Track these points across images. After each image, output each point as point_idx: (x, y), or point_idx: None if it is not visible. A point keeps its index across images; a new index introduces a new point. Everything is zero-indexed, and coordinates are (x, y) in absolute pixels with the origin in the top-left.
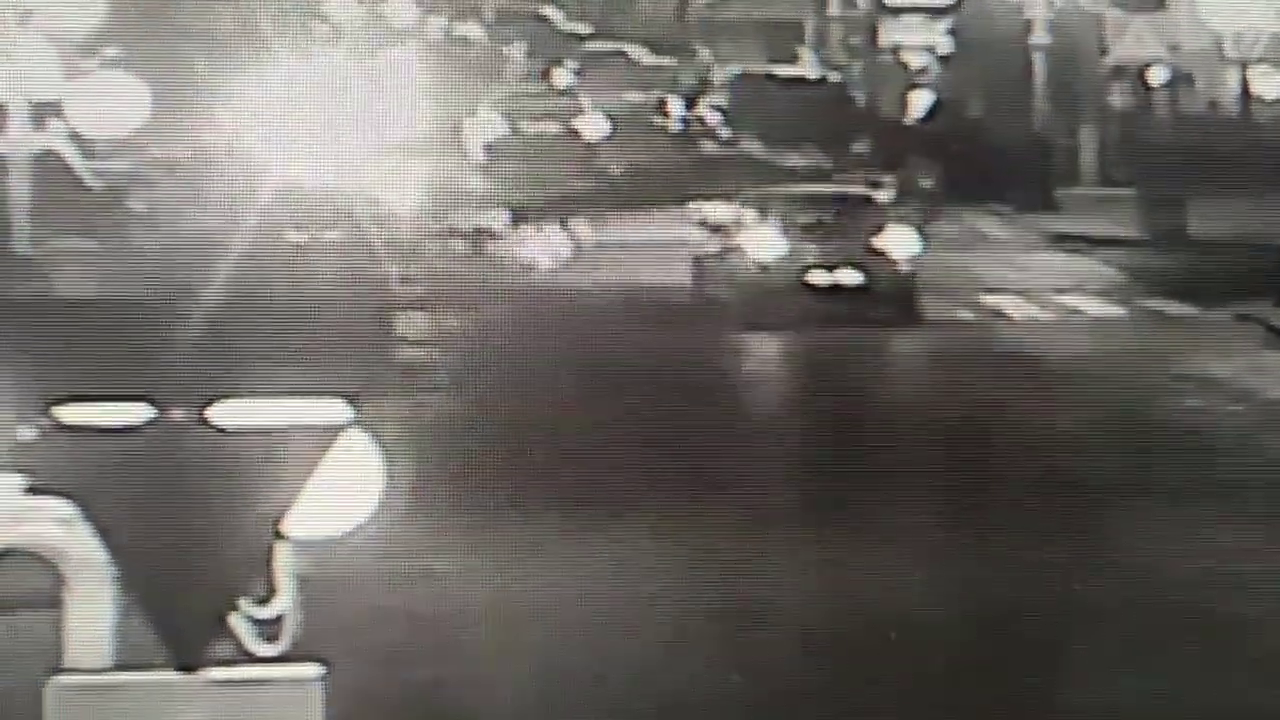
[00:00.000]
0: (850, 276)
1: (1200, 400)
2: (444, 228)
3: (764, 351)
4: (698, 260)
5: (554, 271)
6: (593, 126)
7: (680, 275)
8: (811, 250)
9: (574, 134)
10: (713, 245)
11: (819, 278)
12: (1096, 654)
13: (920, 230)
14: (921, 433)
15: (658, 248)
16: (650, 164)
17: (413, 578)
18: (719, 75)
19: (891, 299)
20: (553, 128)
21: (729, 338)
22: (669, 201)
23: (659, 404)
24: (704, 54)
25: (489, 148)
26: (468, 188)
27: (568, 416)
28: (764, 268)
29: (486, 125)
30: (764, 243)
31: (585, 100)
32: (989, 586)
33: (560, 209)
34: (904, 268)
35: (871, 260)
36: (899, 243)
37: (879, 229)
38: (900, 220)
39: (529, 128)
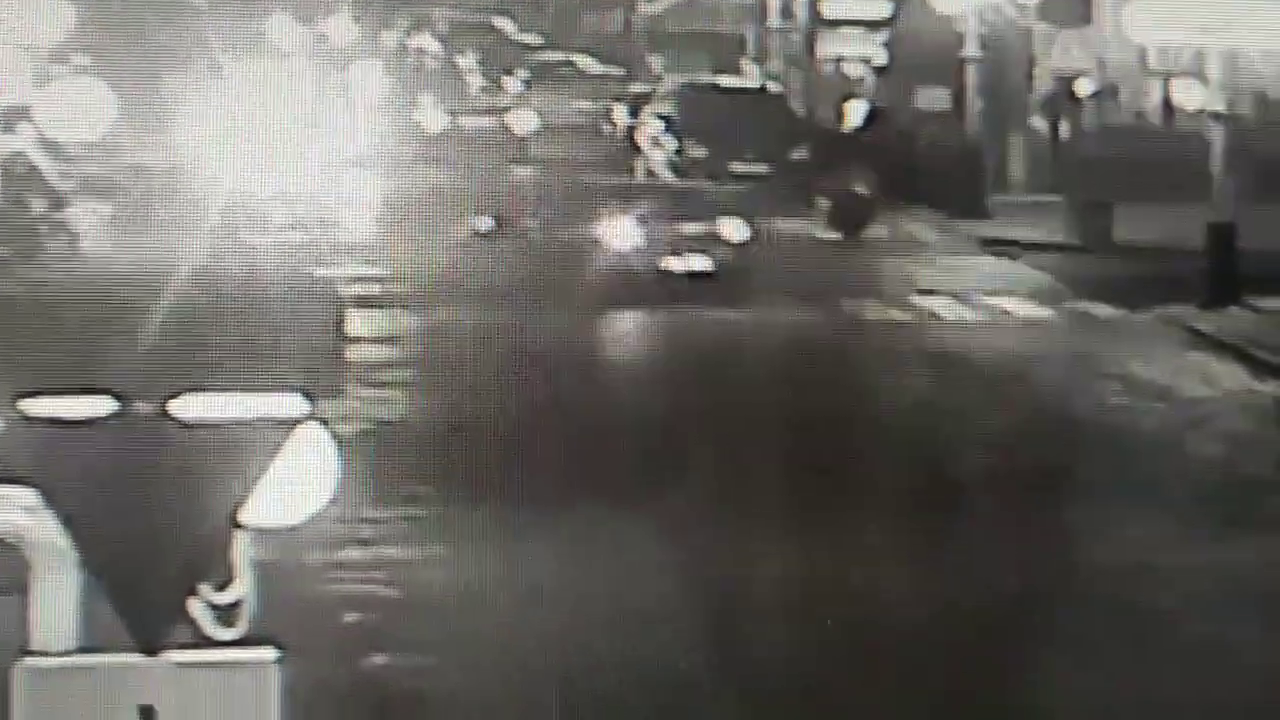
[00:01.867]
0: (700, 262)
1: (1124, 398)
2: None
3: (689, 346)
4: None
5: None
6: (522, 122)
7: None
8: (664, 238)
9: (506, 129)
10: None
11: (673, 264)
12: (1026, 646)
13: (854, 233)
14: (855, 430)
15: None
16: (574, 158)
17: (366, 565)
18: (664, 85)
19: (731, 281)
20: (488, 122)
21: (679, 329)
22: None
23: (608, 394)
24: (650, 64)
25: (434, 142)
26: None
27: (521, 408)
28: (621, 255)
29: (432, 119)
30: (621, 233)
31: (518, 97)
32: (918, 582)
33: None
34: (738, 253)
35: (716, 246)
36: (734, 230)
37: (718, 218)
38: (835, 226)
39: (468, 123)
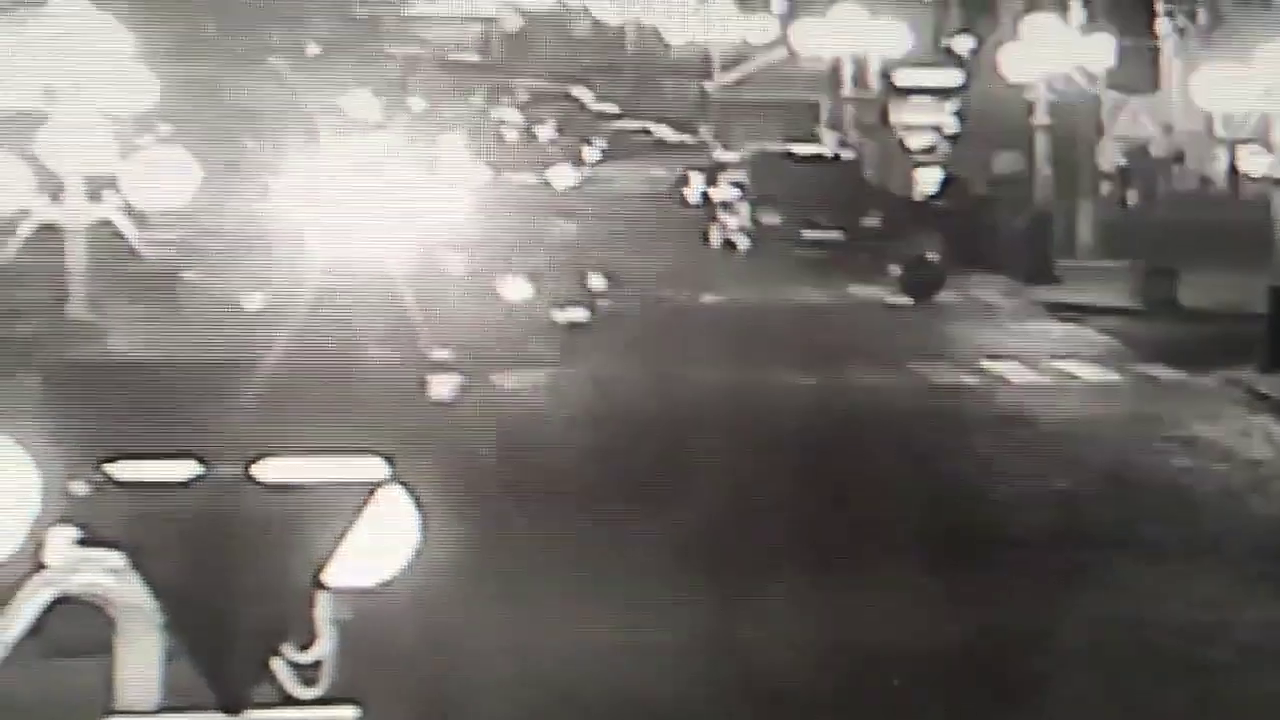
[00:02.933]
0: (579, 314)
1: (1188, 460)
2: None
3: (789, 404)
4: None
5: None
6: (561, 177)
7: None
8: (550, 291)
9: (546, 184)
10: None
11: (560, 315)
12: (1090, 701)
13: (925, 299)
14: (924, 489)
15: None
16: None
17: (445, 625)
18: (739, 153)
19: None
20: (530, 178)
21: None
22: None
23: (687, 456)
24: (725, 132)
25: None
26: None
27: (598, 471)
28: (514, 307)
29: (474, 174)
30: (515, 287)
31: (557, 152)
32: (985, 637)
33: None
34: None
35: (589, 298)
36: (598, 284)
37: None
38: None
39: (511, 178)
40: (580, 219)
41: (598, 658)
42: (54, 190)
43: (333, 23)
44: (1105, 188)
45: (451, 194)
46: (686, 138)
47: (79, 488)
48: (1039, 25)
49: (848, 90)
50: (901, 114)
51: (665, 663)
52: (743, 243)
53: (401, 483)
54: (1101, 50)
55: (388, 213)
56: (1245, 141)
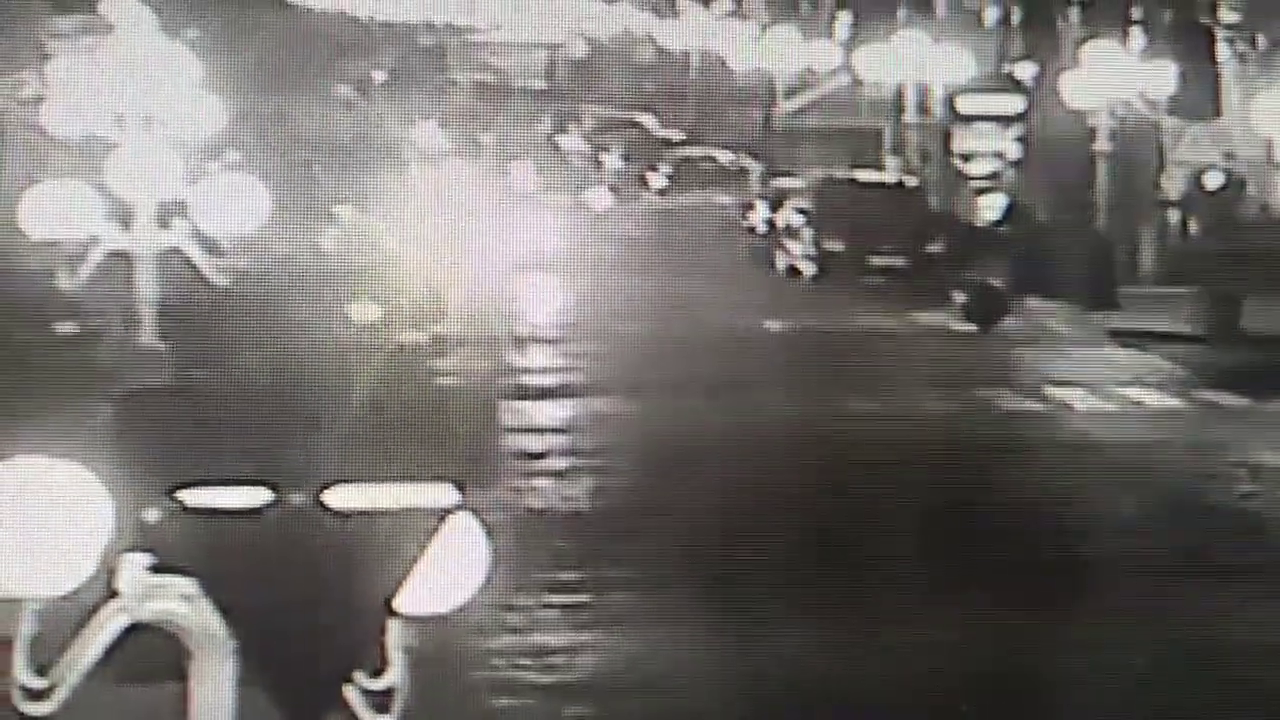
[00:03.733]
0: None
1: (1253, 486)
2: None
3: (848, 429)
4: None
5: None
6: (598, 199)
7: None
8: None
9: (583, 205)
10: None
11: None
12: None
13: (989, 325)
14: (989, 516)
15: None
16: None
17: (515, 652)
18: (803, 180)
19: None
20: (565, 199)
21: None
22: None
23: (754, 483)
24: (773, 158)
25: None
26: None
27: (669, 499)
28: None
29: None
30: (363, 310)
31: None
32: (1054, 661)
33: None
34: None
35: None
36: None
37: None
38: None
39: (550, 199)
40: (634, 242)
41: (679, 684)
42: (124, 217)
43: (399, 51)
44: (1167, 214)
45: (518, 219)
46: (751, 164)
47: (151, 515)
48: (1100, 52)
49: (911, 117)
50: (964, 140)
51: (752, 689)
52: (807, 269)
53: (472, 509)
54: (1162, 77)
55: (457, 237)
56: None
